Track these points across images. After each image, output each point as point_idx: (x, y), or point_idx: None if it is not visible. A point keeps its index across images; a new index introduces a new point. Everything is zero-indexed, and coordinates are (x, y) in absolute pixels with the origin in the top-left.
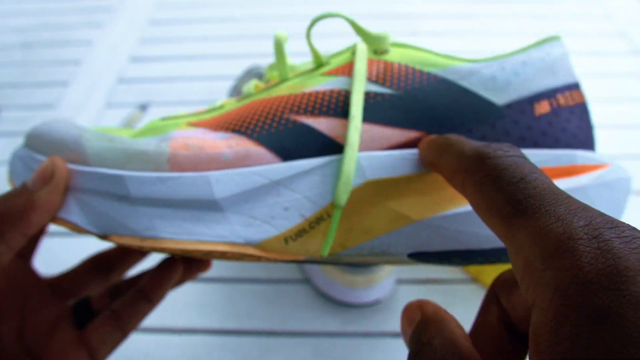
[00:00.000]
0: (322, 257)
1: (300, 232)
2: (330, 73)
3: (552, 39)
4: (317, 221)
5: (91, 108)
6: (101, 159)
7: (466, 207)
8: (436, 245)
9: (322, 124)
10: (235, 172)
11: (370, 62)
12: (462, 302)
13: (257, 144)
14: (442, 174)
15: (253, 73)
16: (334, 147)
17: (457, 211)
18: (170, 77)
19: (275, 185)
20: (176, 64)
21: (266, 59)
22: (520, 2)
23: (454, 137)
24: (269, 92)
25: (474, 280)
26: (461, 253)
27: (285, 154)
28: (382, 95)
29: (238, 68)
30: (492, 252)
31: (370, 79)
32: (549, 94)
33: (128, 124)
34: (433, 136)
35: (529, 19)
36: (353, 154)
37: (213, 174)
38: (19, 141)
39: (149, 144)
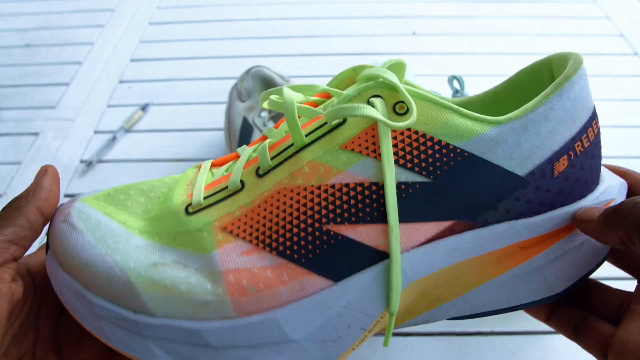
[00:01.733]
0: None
1: (362, 339)
2: (353, 149)
3: (575, 67)
4: (374, 325)
5: (92, 108)
6: (166, 311)
7: (488, 282)
8: (466, 312)
9: (362, 234)
10: (298, 307)
11: (393, 135)
12: None
13: (308, 273)
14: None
15: (252, 72)
16: (376, 255)
17: (482, 286)
18: (170, 78)
19: (336, 309)
20: (176, 64)
21: (266, 60)
22: (520, 2)
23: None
24: (291, 176)
25: None
26: (483, 314)
27: (336, 275)
28: (413, 186)
29: (238, 68)
30: (500, 311)
31: (398, 163)
32: (568, 147)
33: (129, 124)
34: (602, 212)
35: (529, 19)
36: (398, 268)
37: (280, 315)
38: (19, 141)
39: (206, 291)
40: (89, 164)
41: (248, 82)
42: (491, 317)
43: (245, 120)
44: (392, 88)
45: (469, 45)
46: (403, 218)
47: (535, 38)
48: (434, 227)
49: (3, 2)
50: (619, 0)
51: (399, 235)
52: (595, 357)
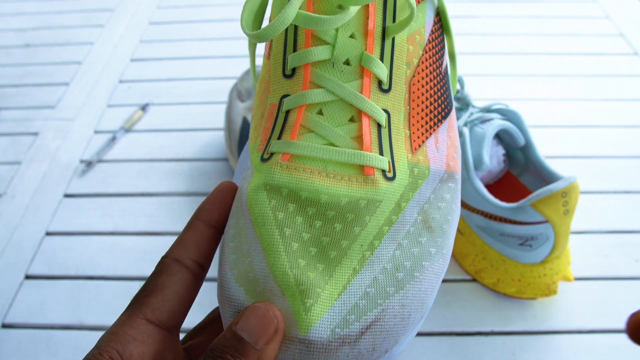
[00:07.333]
0: None
1: None
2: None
3: None
4: None
5: (92, 108)
6: None
7: None
8: None
9: None
10: None
11: None
12: (461, 301)
13: None
14: None
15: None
16: None
17: None
18: (170, 77)
19: None
20: (176, 64)
21: None
22: (520, 2)
23: None
24: (408, 64)
25: (474, 280)
26: None
27: None
28: None
29: (238, 68)
30: None
31: None
32: None
33: (129, 124)
34: None
35: (529, 19)
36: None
37: None
38: (19, 141)
39: None
40: (89, 164)
41: (248, 82)
42: (491, 317)
43: (245, 120)
44: None
45: (469, 45)
46: None
47: (535, 38)
48: None
49: (3, 2)
50: (619, 0)
51: None
52: None
